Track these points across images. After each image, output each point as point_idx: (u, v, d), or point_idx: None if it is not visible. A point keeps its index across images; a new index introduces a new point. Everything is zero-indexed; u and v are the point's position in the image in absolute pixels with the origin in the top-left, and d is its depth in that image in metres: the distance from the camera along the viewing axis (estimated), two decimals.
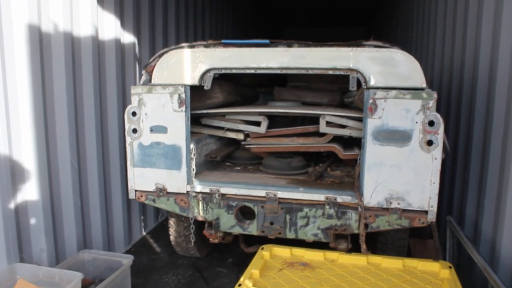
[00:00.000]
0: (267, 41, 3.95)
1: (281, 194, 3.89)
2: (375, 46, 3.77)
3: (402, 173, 3.65)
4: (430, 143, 3.58)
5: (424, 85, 3.64)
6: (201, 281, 4.53)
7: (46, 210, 4.03)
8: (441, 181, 3.72)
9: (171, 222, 4.71)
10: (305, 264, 3.75)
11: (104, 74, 4.78)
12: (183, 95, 3.93)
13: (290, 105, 4.61)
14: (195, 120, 4.52)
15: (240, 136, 4.36)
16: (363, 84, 3.72)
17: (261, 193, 3.92)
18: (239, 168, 4.54)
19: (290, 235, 3.92)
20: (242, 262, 3.69)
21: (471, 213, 4.38)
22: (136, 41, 5.45)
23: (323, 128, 4.03)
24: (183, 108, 3.95)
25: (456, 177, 4.72)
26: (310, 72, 3.84)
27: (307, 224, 3.86)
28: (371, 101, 3.63)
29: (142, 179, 4.14)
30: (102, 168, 4.78)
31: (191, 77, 4.00)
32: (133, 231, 5.49)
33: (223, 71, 3.97)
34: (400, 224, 3.73)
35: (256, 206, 3.92)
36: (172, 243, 4.81)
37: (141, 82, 4.14)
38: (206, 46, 4.02)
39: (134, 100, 4.05)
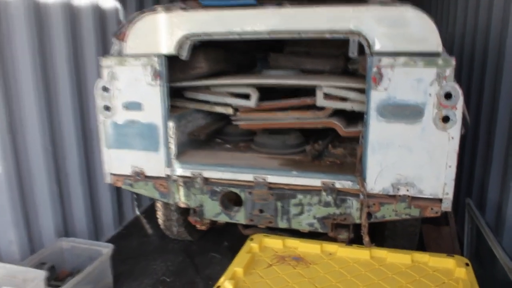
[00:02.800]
0: (253, 1, 3.20)
1: (271, 178, 3.21)
2: (381, 3, 2.98)
3: (412, 155, 2.91)
4: (446, 119, 2.83)
5: (440, 49, 2.85)
6: (191, 268, 3.94)
7: (13, 198, 3.44)
8: (459, 159, 3.00)
9: (158, 205, 4.08)
10: (299, 259, 3.11)
11: (80, 44, 4.09)
12: (157, 67, 3.23)
13: (287, 73, 3.85)
14: (180, 93, 3.87)
15: (229, 111, 3.65)
16: (366, 49, 2.95)
17: (248, 177, 3.25)
18: (229, 146, 3.84)
19: (282, 224, 3.27)
20: (238, 246, 3.12)
21: (494, 197, 3.63)
22: (119, 5, 4.72)
23: (320, 101, 3.29)
24: (159, 82, 3.26)
25: (477, 155, 3.95)
26: (303, 36, 3.08)
27: (301, 213, 3.20)
28: (375, 69, 2.86)
29: (118, 162, 3.50)
30: (82, 148, 4.14)
31: (167, 46, 3.28)
32: (125, 211, 4.89)
33: (204, 38, 3.25)
34: (409, 213, 3.03)
35: (244, 192, 3.27)
36: (161, 227, 4.21)
37: (112, 52, 3.48)
38: (183, 8, 3.30)
39: (105, 73, 3.36)
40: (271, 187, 3.19)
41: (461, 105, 2.80)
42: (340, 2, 2.98)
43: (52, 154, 3.74)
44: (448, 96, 2.79)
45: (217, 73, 3.81)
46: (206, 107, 3.62)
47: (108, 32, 4.39)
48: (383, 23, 2.89)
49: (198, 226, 3.53)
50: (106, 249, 3.53)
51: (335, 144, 3.74)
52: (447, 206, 2.94)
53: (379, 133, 2.93)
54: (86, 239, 4.10)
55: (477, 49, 4.27)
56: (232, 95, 3.54)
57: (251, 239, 3.28)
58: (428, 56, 2.79)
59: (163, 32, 3.27)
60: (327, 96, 3.24)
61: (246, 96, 3.49)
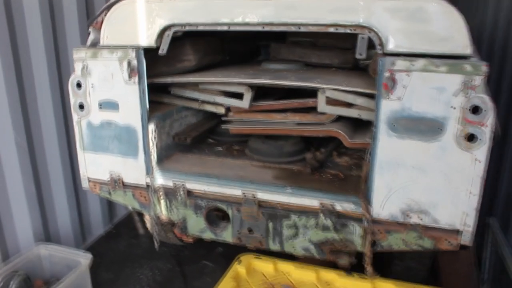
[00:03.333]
0: None
1: (262, 195, 2.73)
2: None
3: (427, 178, 2.39)
4: (471, 138, 2.28)
5: (468, 51, 2.27)
6: (179, 279, 3.53)
7: None
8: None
9: None
10: None
11: (61, 29, 3.62)
12: (134, 62, 2.73)
13: (289, 67, 3.31)
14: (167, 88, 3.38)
15: (221, 110, 3.16)
16: (377, 48, 2.39)
17: (236, 192, 2.77)
18: (221, 148, 3.36)
19: (274, 246, 2.81)
20: (233, 253, 2.74)
21: None
22: None
23: (322, 106, 2.75)
24: (136, 79, 2.79)
25: (505, 167, 3.37)
26: (302, 29, 2.53)
27: (295, 236, 2.73)
28: (387, 74, 2.32)
29: (94, 167, 3.06)
30: (65, 146, 3.73)
31: (147, 37, 2.77)
32: (116, 207, 4.48)
33: (188, 29, 2.74)
34: (420, 245, 2.52)
35: (231, 208, 2.82)
36: (150, 231, 3.84)
37: (89, 43, 3.01)
38: None
39: (78, 67, 2.89)
40: (261, 204, 2.73)
41: (492, 122, 2.25)
42: None
43: (28, 151, 3.34)
44: (475, 110, 2.23)
45: (209, 66, 3.31)
46: (195, 105, 3.13)
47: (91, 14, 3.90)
48: (399, 16, 2.32)
49: (185, 239, 3.13)
50: (84, 259, 3.17)
51: (341, 151, 3.20)
52: (467, 239, 2.42)
53: (389, 150, 2.41)
54: (71, 240, 3.77)
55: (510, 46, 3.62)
56: (223, 94, 3.05)
57: (239, 261, 2.86)
58: (453, 60, 2.23)
59: (142, 21, 2.76)
60: (330, 100, 2.72)
61: (240, 95, 3.00)
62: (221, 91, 3.02)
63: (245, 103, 2.92)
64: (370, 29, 2.36)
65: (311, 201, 2.62)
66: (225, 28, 2.62)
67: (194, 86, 3.07)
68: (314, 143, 3.16)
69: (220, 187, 2.79)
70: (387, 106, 2.34)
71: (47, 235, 3.60)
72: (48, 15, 3.44)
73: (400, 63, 2.27)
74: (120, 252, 3.89)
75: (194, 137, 3.10)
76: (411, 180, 2.40)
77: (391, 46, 2.35)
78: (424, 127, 2.31)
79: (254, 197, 2.71)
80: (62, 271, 3.21)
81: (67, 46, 3.66)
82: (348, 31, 2.43)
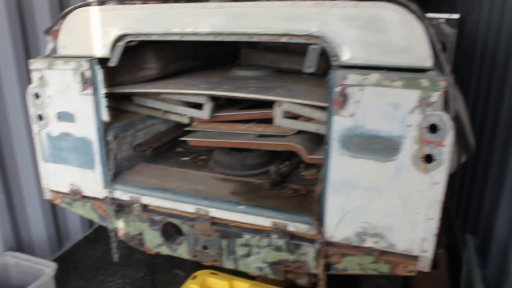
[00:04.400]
0: None
1: (214, 212, 2.51)
2: None
3: (382, 200, 2.13)
4: (429, 159, 2.01)
5: (429, 63, 2.00)
6: None
7: None
8: (459, 186, 2.20)
9: None
10: None
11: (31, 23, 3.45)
12: (87, 73, 2.54)
13: (257, 74, 3.06)
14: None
15: (184, 120, 2.98)
16: (332, 59, 2.16)
17: (190, 208, 2.58)
18: (188, 158, 3.14)
19: (228, 264, 2.59)
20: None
21: (502, 235, 2.80)
22: None
23: (278, 120, 2.52)
24: (90, 91, 2.62)
25: (488, 180, 3.06)
26: (255, 39, 2.30)
27: (249, 255, 2.50)
28: (338, 88, 2.08)
29: (55, 178, 2.87)
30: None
31: (102, 47, 2.60)
32: None
33: (141, 38, 2.54)
34: (377, 269, 2.27)
35: (185, 224, 2.64)
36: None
37: (47, 52, 2.84)
38: (120, 1, 2.59)
39: (35, 77, 2.72)
40: (214, 222, 2.52)
41: (450, 141, 1.98)
42: None
43: None
44: (433, 129, 1.97)
45: (177, 73, 3.10)
46: (159, 114, 2.94)
47: None
48: (355, 25, 2.06)
49: (147, 251, 2.95)
50: (48, 268, 3.03)
51: (308, 164, 2.94)
52: (424, 265, 2.16)
53: (342, 169, 2.16)
54: (46, 248, 3.63)
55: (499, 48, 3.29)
56: (185, 103, 2.84)
57: (194, 277, 2.67)
58: (412, 73, 1.97)
59: (97, 30, 2.57)
60: (288, 114, 2.48)
61: (199, 106, 2.78)
62: (183, 101, 2.82)
63: (205, 113, 2.71)
64: (323, 39, 2.12)
65: (263, 220, 2.39)
66: (177, 38, 2.41)
67: (157, 95, 2.88)
68: (281, 155, 2.93)
69: (174, 202, 2.59)
70: (339, 123, 2.09)
71: (19, 243, 3.44)
72: (18, 22, 3.30)
73: (352, 77, 2.02)
74: (95, 259, 3.73)
75: (155, 148, 2.90)
76: (366, 201, 2.15)
77: (346, 58, 2.10)
78: (379, 146, 2.06)
79: (207, 214, 2.50)
80: (29, 281, 3.07)
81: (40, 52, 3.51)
82: (301, 41, 2.18)
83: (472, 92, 3.88)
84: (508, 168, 2.78)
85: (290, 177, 2.76)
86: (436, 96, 1.92)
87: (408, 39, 2.00)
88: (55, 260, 3.41)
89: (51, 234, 3.73)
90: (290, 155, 2.93)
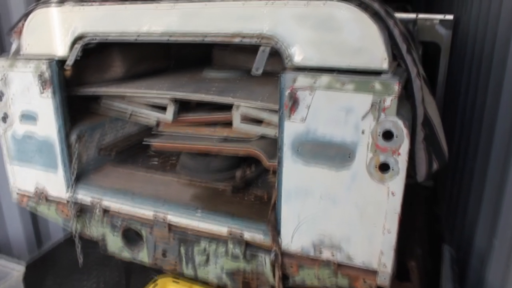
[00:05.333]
0: None
1: (172, 217, 2.37)
2: None
3: (338, 210, 1.95)
4: (384, 168, 1.84)
5: (385, 65, 1.82)
6: None
7: None
8: (449, 193, 2.01)
9: None
10: None
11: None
12: (46, 75, 2.42)
13: (227, 75, 2.88)
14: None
15: (151, 122, 2.85)
16: (284, 60, 2.00)
17: (148, 212, 2.47)
18: (157, 161, 2.99)
19: (188, 272, 2.42)
20: None
21: (480, 248, 2.59)
22: None
23: (236, 123, 2.36)
24: (50, 92, 2.51)
25: (471, 189, 2.84)
26: (208, 39, 2.15)
27: (207, 262, 2.37)
28: (288, 92, 1.92)
29: (21, 179, 2.76)
30: None
31: (61, 47, 2.49)
32: None
33: (99, 39, 2.42)
34: (335, 283, 2.10)
35: (144, 229, 2.51)
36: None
37: (12, 51, 2.75)
38: (79, 1, 2.47)
39: None
40: (172, 227, 2.39)
41: (405, 149, 1.79)
42: None
43: None
44: (387, 135, 1.79)
45: (148, 73, 2.97)
46: (126, 116, 2.83)
47: None
48: (307, 25, 1.89)
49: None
50: (17, 271, 2.95)
51: None
52: (384, 281, 1.98)
53: (295, 177, 1.99)
54: (24, 248, 3.54)
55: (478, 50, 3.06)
56: (151, 105, 2.71)
57: (156, 283, 2.55)
58: (365, 76, 1.80)
59: (57, 30, 2.46)
60: (246, 117, 2.33)
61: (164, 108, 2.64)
62: (148, 103, 2.69)
63: (168, 116, 2.57)
64: (275, 39, 1.96)
65: (220, 227, 2.24)
66: (133, 38, 2.28)
67: (123, 96, 2.76)
68: (250, 159, 2.77)
69: (133, 207, 2.47)
70: (290, 128, 1.93)
71: None
72: None
73: (302, 80, 1.85)
74: (73, 260, 3.61)
75: (120, 150, 2.78)
76: (321, 211, 1.98)
77: (298, 59, 1.93)
78: (332, 153, 1.89)
79: (165, 219, 2.37)
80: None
81: None
82: (254, 41, 2.02)
83: (469, 95, 3.65)
84: (487, 176, 2.58)
85: (256, 183, 2.61)
86: (389, 101, 1.74)
87: (363, 39, 1.82)
88: (33, 261, 3.35)
89: (29, 234, 3.64)
90: (258, 160, 2.79)
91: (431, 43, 4.24)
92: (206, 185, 2.57)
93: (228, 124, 2.57)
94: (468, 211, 2.88)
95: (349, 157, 1.85)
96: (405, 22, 3.62)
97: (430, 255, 2.86)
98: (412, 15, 4.20)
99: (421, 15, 4.18)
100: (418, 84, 2.16)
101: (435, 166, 2.26)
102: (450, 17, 4.23)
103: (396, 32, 2.06)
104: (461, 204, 3.21)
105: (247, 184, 2.51)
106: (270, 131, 2.28)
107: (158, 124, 2.77)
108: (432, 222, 3.60)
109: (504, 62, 2.67)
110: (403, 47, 2.10)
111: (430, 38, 4.19)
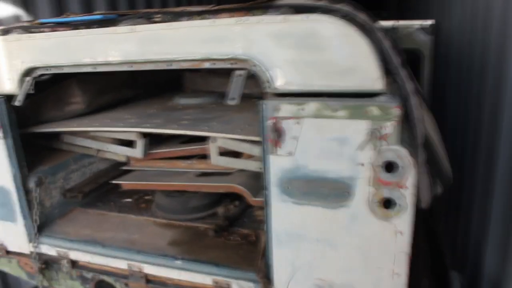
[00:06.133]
0: (112, 15, 1.99)
1: (148, 268, 2.04)
2: (290, 7, 1.68)
3: (338, 254, 1.64)
4: (388, 203, 1.55)
5: (379, 85, 1.53)
6: None
7: None
8: (445, 209, 1.73)
9: None
10: None
11: None
12: None
13: (200, 102, 2.56)
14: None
15: (121, 158, 2.52)
16: (265, 86, 1.70)
17: (122, 264, 2.13)
18: (130, 200, 2.59)
19: None
20: None
21: (493, 271, 2.32)
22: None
23: (214, 158, 2.04)
24: (1, 134, 2.18)
25: (474, 208, 2.58)
26: (174, 66, 1.84)
27: None
28: (271, 122, 1.62)
29: None
30: None
31: (10, 82, 2.16)
32: None
33: (52, 71, 2.08)
34: None
35: (119, 282, 2.17)
36: None
37: None
38: (27, 29, 2.14)
39: None
40: (149, 279, 2.05)
41: (412, 181, 1.51)
42: (224, 11, 1.73)
43: None
44: (390, 167, 1.51)
45: (115, 103, 2.63)
46: (93, 153, 2.48)
47: None
48: (287, 44, 1.59)
49: None
50: None
51: None
52: None
53: (285, 218, 1.68)
54: None
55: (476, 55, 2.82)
56: (117, 141, 2.38)
57: None
58: (355, 100, 1.51)
59: (2, 63, 2.14)
60: (225, 150, 2.02)
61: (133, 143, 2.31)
62: (115, 138, 2.36)
63: (137, 152, 2.24)
64: (251, 62, 1.66)
65: (203, 277, 1.90)
66: (90, 69, 1.95)
67: (85, 132, 2.43)
68: (231, 193, 2.44)
69: (105, 257, 2.12)
70: (276, 164, 1.62)
71: None
72: None
73: (286, 108, 1.55)
74: None
75: (88, 192, 2.43)
76: (318, 255, 1.67)
77: (279, 84, 1.62)
78: (327, 190, 1.58)
79: (141, 271, 2.03)
80: None
81: None
82: (228, 65, 1.72)
83: (459, 102, 3.40)
84: (494, 189, 2.32)
85: (241, 219, 2.29)
86: (389, 127, 1.45)
87: (352, 57, 1.52)
88: None
89: None
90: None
91: (413, 50, 4.02)
92: (186, 226, 2.23)
93: (206, 155, 2.25)
94: (472, 228, 2.61)
95: (347, 193, 1.55)
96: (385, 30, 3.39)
97: (437, 282, 2.58)
98: (391, 23, 3.97)
99: (400, 22, 3.94)
100: (416, 102, 1.88)
101: (438, 188, 1.99)
102: (430, 22, 4.01)
103: (387, 45, 1.78)
104: (462, 220, 2.94)
105: (231, 222, 2.18)
106: (253, 165, 1.97)
107: (128, 160, 2.43)
108: (431, 240, 3.32)
109: (491, 65, 2.45)
110: (397, 61, 1.83)
111: (411, 45, 3.96)
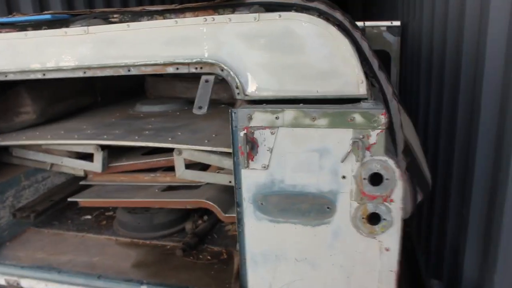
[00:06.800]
0: (64, 15, 1.76)
1: None
2: (262, 4, 1.51)
3: (320, 274, 1.47)
4: (374, 218, 1.41)
5: (362, 90, 1.38)
6: None
7: None
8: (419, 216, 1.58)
9: None
10: None
11: None
12: None
13: (165, 109, 2.35)
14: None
15: (79, 172, 2.28)
16: (234, 92, 1.53)
17: None
18: (90, 217, 2.30)
19: None
20: None
21: (471, 277, 2.23)
22: None
23: (180, 171, 1.82)
24: None
25: (449, 212, 2.49)
26: (134, 71, 1.64)
27: None
28: (243, 133, 1.45)
29: None
30: None
31: None
32: None
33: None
34: None
35: None
36: None
37: None
38: None
39: None
40: None
41: (400, 194, 1.36)
42: (191, 9, 1.54)
43: None
44: (375, 179, 1.36)
45: (68, 113, 2.37)
46: (46, 167, 2.22)
47: None
48: (259, 45, 1.41)
49: None
50: None
51: None
52: None
53: (261, 238, 1.49)
54: None
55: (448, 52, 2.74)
56: (73, 154, 2.13)
57: None
58: (336, 107, 1.35)
59: None
60: (192, 162, 1.82)
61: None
62: (71, 151, 2.12)
63: (96, 166, 2.00)
64: (220, 66, 1.47)
65: None
66: (38, 76, 1.71)
67: (38, 145, 2.17)
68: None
69: (61, 285, 1.87)
70: (250, 178, 1.43)
71: None
72: None
73: (260, 116, 1.37)
74: None
75: (41, 211, 2.17)
76: (297, 277, 1.49)
77: (252, 89, 1.44)
78: (306, 206, 1.41)
79: None
80: None
81: None
82: (193, 70, 1.53)
83: (421, 105, 3.33)
84: (472, 191, 2.22)
85: (211, 234, 2.09)
86: (375, 136, 1.30)
87: (331, 59, 1.37)
88: None
89: None
90: None
91: (380, 51, 3.94)
92: (151, 245, 2.00)
93: (172, 167, 2.04)
94: (448, 232, 2.51)
95: (328, 209, 1.39)
96: None
97: None
98: (358, 23, 3.89)
99: (368, 23, 3.86)
100: (395, 106, 1.75)
101: (419, 197, 1.86)
102: (397, 23, 3.95)
103: (365, 46, 1.64)
104: (436, 221, 2.85)
105: (200, 239, 1.97)
106: (223, 179, 1.77)
107: (86, 174, 2.18)
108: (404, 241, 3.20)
109: (458, 65, 2.36)
110: (374, 63, 1.69)
111: (379, 47, 3.89)
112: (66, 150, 2.08)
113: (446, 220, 2.49)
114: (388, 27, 3.97)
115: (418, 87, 3.40)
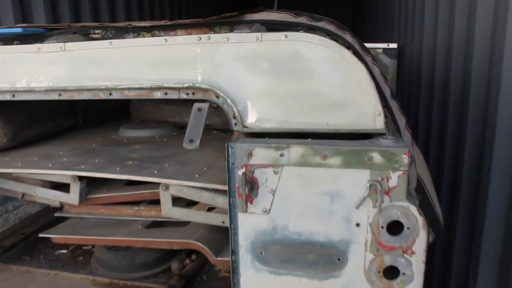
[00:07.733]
0: (38, 28, 1.54)
1: None
2: (263, 23, 1.32)
3: None
4: (391, 273, 1.19)
5: (379, 124, 1.18)
6: None
7: None
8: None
9: None
10: None
11: None
12: None
13: (152, 134, 2.12)
14: None
15: (54, 202, 2.02)
16: (232, 123, 1.32)
17: None
18: (65, 252, 2.00)
19: None
20: None
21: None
22: None
23: (167, 209, 1.56)
24: None
25: (455, 249, 2.29)
26: (117, 95, 1.42)
27: None
28: (241, 171, 1.23)
29: None
30: None
31: None
32: None
33: None
34: None
35: None
36: None
37: None
38: None
39: None
40: None
41: (423, 246, 1.16)
42: (182, 26, 1.34)
43: None
44: (395, 228, 1.15)
45: (44, 137, 2.12)
46: (18, 196, 1.96)
47: None
48: (261, 69, 1.22)
49: None
50: None
51: None
52: None
53: None
54: None
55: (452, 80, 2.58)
56: (48, 183, 1.89)
57: None
58: (352, 144, 1.15)
59: None
60: (180, 198, 1.60)
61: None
62: (45, 180, 1.87)
63: (73, 197, 1.75)
64: (215, 93, 1.26)
65: None
66: (7, 97, 1.47)
67: (8, 173, 1.92)
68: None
69: None
70: (248, 224, 1.21)
71: None
72: None
73: (261, 153, 1.16)
74: None
75: (9, 246, 1.90)
76: None
77: (252, 120, 1.24)
78: (313, 257, 1.19)
79: None
80: None
81: None
82: (184, 96, 1.32)
83: (421, 128, 3.16)
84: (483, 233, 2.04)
85: (200, 276, 1.84)
86: (395, 179, 1.10)
87: (345, 87, 1.17)
88: None
89: None
90: None
91: None
92: (133, 286, 1.74)
93: (158, 200, 1.80)
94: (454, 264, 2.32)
95: (339, 260, 1.17)
96: None
97: None
98: None
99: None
100: (408, 138, 1.56)
101: (431, 237, 1.66)
102: (394, 45, 3.82)
103: (376, 72, 1.45)
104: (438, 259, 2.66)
105: (187, 281, 1.72)
106: (216, 219, 1.54)
107: (62, 204, 1.93)
108: None
109: (466, 93, 2.21)
110: (387, 91, 1.50)
111: None
112: (39, 179, 1.83)
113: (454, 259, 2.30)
114: (384, 49, 3.85)
115: (417, 111, 3.25)
